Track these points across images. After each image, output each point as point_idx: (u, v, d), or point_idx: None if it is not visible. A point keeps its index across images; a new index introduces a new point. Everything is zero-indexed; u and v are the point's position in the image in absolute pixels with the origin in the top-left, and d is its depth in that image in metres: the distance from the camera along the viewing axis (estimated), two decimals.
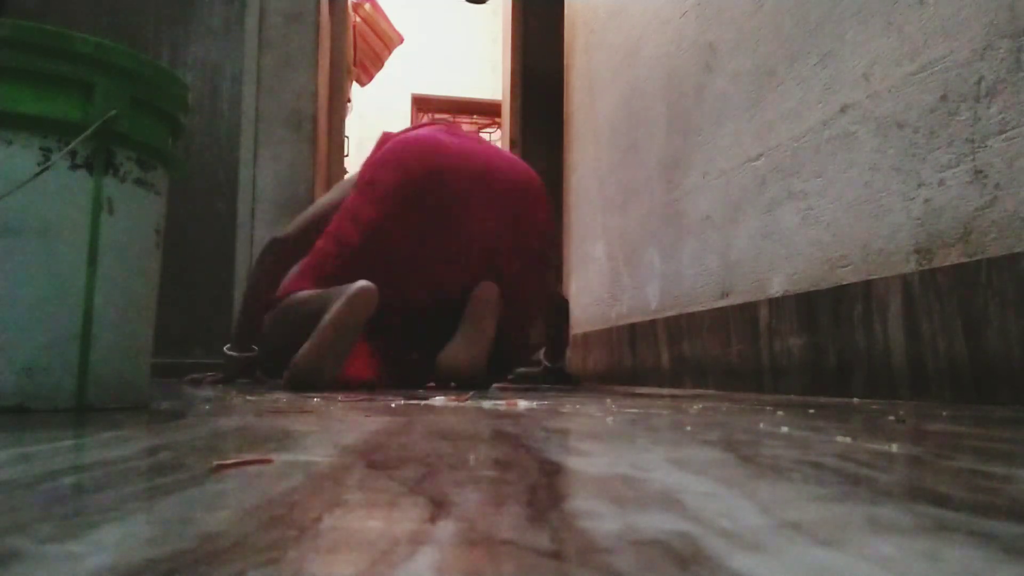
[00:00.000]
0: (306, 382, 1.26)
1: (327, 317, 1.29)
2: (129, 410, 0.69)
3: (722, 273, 1.60)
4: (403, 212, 1.48)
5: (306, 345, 1.27)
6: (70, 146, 0.65)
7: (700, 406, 0.86)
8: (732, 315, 1.51)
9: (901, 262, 1.06)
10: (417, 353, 1.55)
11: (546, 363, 1.95)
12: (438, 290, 1.51)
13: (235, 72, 2.54)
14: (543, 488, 0.28)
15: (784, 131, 1.37)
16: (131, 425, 0.53)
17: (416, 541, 0.19)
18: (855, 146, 1.17)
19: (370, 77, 3.90)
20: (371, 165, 1.57)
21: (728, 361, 1.52)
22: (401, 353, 1.54)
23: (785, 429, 0.53)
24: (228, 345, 1.69)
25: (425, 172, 1.50)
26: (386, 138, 1.68)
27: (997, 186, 0.91)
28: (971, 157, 0.95)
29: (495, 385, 1.60)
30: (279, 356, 1.39)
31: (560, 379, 1.95)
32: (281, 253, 1.65)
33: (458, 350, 1.44)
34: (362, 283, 1.32)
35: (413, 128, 1.67)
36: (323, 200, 1.70)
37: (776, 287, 1.38)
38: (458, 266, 1.51)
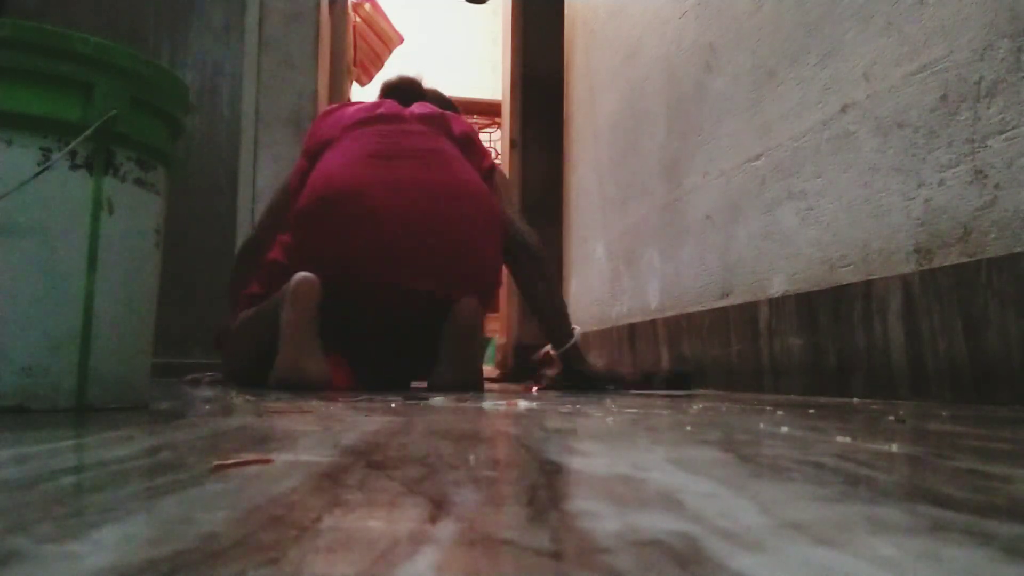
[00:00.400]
0: (291, 381, 1.26)
1: (283, 322, 1.30)
2: (129, 410, 0.69)
3: (722, 273, 1.60)
4: (321, 225, 1.42)
5: (280, 356, 1.28)
6: (70, 146, 0.65)
7: (700, 406, 0.86)
8: (732, 315, 1.51)
9: (901, 262, 1.06)
10: (393, 363, 1.52)
11: (557, 359, 1.60)
12: (386, 291, 1.39)
13: (235, 72, 2.54)
14: (543, 488, 0.28)
15: (784, 131, 1.37)
16: (131, 425, 0.53)
17: (416, 541, 0.19)
18: (855, 146, 1.17)
19: (370, 77, 3.89)
20: (305, 180, 1.49)
21: (728, 361, 1.52)
22: (377, 363, 1.50)
23: (785, 429, 0.53)
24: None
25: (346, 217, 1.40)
26: (312, 128, 1.59)
27: (997, 186, 0.91)
28: (971, 157, 0.95)
29: (535, 389, 1.57)
30: (255, 371, 1.39)
31: (588, 381, 1.51)
32: (250, 256, 1.65)
33: (448, 377, 1.38)
34: (298, 275, 1.31)
35: (350, 130, 1.52)
36: (277, 188, 1.66)
37: (776, 287, 1.38)
38: (398, 266, 1.39)
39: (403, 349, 1.49)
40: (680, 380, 1.54)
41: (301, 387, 1.25)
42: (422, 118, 1.54)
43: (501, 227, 1.51)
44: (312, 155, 1.51)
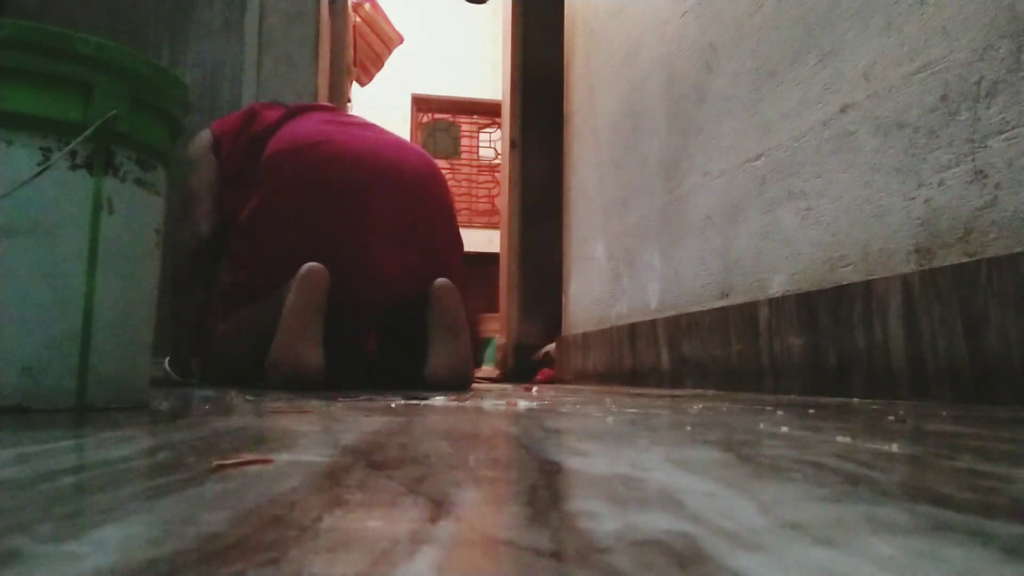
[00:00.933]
0: (288, 375, 1.24)
1: (287, 308, 1.27)
2: (129, 410, 0.69)
3: (722, 273, 1.60)
4: (306, 213, 1.42)
5: (277, 338, 1.26)
6: (70, 146, 0.65)
7: (700, 406, 0.86)
8: (732, 315, 1.51)
9: (901, 262, 1.06)
10: (376, 354, 1.52)
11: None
12: (369, 281, 1.41)
13: (235, 72, 2.54)
14: (543, 488, 0.28)
15: (784, 131, 1.37)
16: (131, 425, 0.53)
17: (416, 541, 0.19)
18: (855, 146, 1.17)
19: (370, 77, 3.89)
20: (255, 161, 1.50)
21: (728, 361, 1.52)
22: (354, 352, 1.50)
23: (785, 429, 0.53)
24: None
25: (325, 185, 1.42)
26: (251, 116, 1.61)
27: (997, 186, 0.91)
28: (971, 157, 0.95)
29: (535, 389, 1.57)
30: (250, 367, 1.37)
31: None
32: (200, 260, 1.62)
33: (442, 363, 1.38)
34: (308, 265, 1.30)
35: (296, 115, 1.58)
36: (198, 185, 1.60)
37: (776, 287, 1.38)
38: (379, 254, 1.42)
39: (384, 341, 1.49)
40: None
41: (295, 377, 1.23)
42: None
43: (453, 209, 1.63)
44: (255, 136, 1.54)
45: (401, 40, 3.90)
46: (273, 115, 1.58)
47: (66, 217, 0.66)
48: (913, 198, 1.05)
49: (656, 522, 0.22)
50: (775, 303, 1.36)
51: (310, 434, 0.47)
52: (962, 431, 0.53)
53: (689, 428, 0.54)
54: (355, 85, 3.72)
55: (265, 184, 1.44)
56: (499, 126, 4.45)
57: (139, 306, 0.73)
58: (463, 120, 5.08)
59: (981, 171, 0.93)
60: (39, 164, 0.64)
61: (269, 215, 1.42)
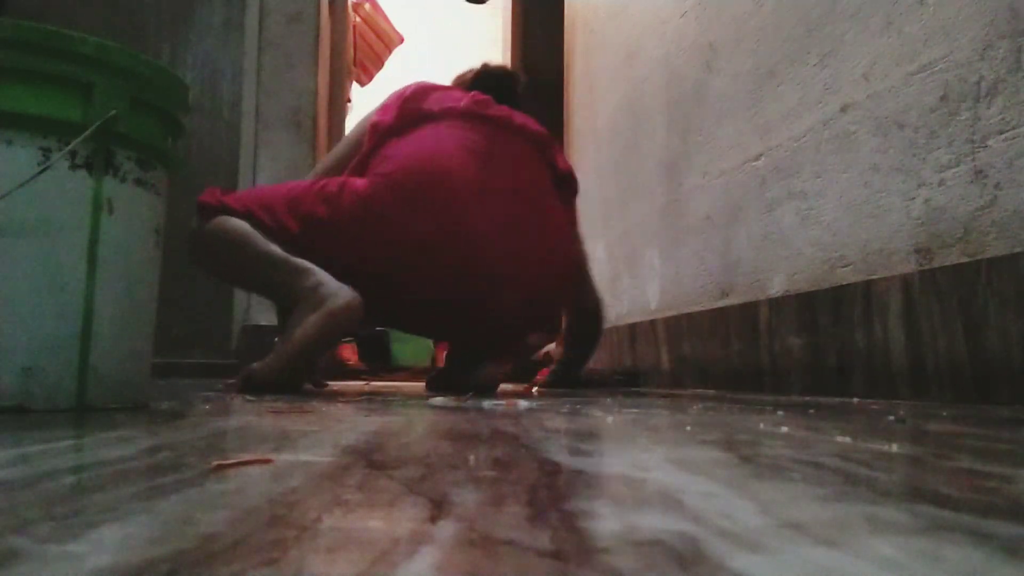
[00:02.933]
0: (265, 390, 1.11)
1: (298, 334, 1.11)
2: (129, 410, 0.69)
3: (722, 273, 1.60)
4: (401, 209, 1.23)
5: (269, 360, 1.13)
6: (70, 146, 0.65)
7: (700, 406, 0.86)
8: (732, 315, 1.51)
9: (901, 262, 1.06)
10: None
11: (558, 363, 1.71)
12: (428, 287, 1.25)
13: (235, 72, 2.54)
14: (543, 488, 0.28)
15: (784, 131, 1.37)
16: (131, 425, 0.53)
17: (416, 541, 0.19)
18: (855, 146, 1.17)
19: (370, 77, 3.89)
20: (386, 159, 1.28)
21: (728, 361, 1.52)
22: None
23: (785, 429, 0.53)
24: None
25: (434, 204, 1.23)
26: (413, 98, 1.35)
27: (997, 186, 0.91)
28: (971, 157, 0.95)
29: (535, 389, 1.57)
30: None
31: (578, 382, 1.67)
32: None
33: (494, 369, 1.34)
34: (347, 295, 1.13)
35: (454, 111, 1.34)
36: (350, 141, 1.41)
37: (776, 287, 1.38)
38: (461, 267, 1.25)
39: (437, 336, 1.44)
40: (632, 379, 1.93)
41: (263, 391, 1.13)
42: (531, 136, 1.41)
43: (572, 286, 1.48)
44: (405, 118, 1.32)
45: (401, 40, 3.90)
46: (430, 104, 1.36)
47: (66, 217, 0.66)
48: (913, 198, 1.05)
49: (656, 522, 0.22)
50: (775, 303, 1.36)
51: (310, 434, 0.47)
52: (962, 431, 0.53)
53: (689, 428, 0.54)
54: (355, 85, 3.72)
55: (370, 200, 1.23)
56: None
57: (139, 306, 0.73)
58: None
59: (981, 171, 0.93)
60: (39, 164, 0.64)
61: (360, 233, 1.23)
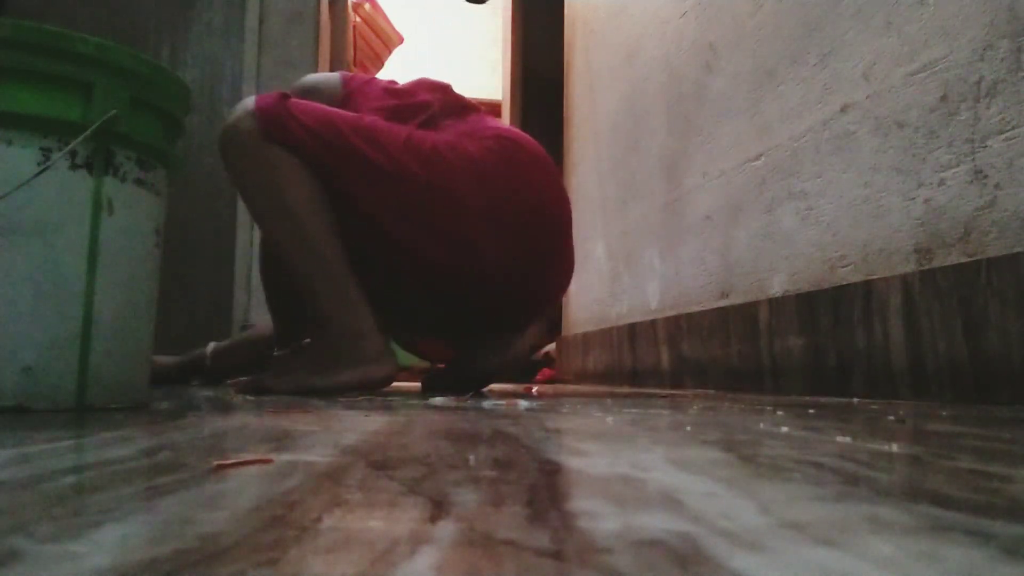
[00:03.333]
0: (252, 394, 1.08)
1: (326, 380, 1.07)
2: (129, 410, 0.69)
3: (722, 273, 1.60)
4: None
5: (284, 383, 1.09)
6: (70, 146, 0.65)
7: (700, 406, 0.86)
8: (732, 315, 1.51)
9: (901, 262, 1.06)
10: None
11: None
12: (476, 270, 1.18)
13: (235, 72, 2.54)
14: (543, 488, 0.28)
15: (784, 131, 1.37)
16: (131, 425, 0.53)
17: (416, 541, 0.19)
18: (855, 146, 1.17)
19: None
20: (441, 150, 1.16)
21: (728, 361, 1.52)
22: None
23: (785, 429, 0.53)
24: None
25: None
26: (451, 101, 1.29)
27: (997, 186, 0.91)
28: (971, 157, 0.95)
29: (534, 389, 1.56)
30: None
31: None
32: None
33: (491, 357, 1.31)
34: (389, 368, 1.09)
35: (455, 107, 1.30)
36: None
37: (776, 287, 1.38)
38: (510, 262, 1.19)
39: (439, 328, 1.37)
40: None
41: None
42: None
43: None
44: (408, 111, 1.23)
45: (401, 40, 3.90)
46: (423, 95, 1.30)
47: (66, 217, 0.66)
48: (913, 198, 1.05)
49: (656, 522, 0.22)
50: (775, 303, 1.36)
51: (310, 434, 0.47)
52: (962, 431, 0.53)
53: (689, 428, 0.54)
54: None
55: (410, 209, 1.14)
56: None
57: (139, 306, 0.73)
58: None
59: (981, 171, 0.93)
60: (39, 164, 0.64)
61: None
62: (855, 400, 1.04)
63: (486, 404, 0.87)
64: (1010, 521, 0.22)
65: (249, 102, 1.14)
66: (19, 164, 0.64)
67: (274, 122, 1.10)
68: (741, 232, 1.52)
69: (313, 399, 0.94)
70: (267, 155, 1.10)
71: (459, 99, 1.35)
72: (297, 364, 1.13)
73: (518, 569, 0.17)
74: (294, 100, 1.15)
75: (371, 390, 1.11)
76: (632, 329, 2.07)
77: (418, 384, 1.55)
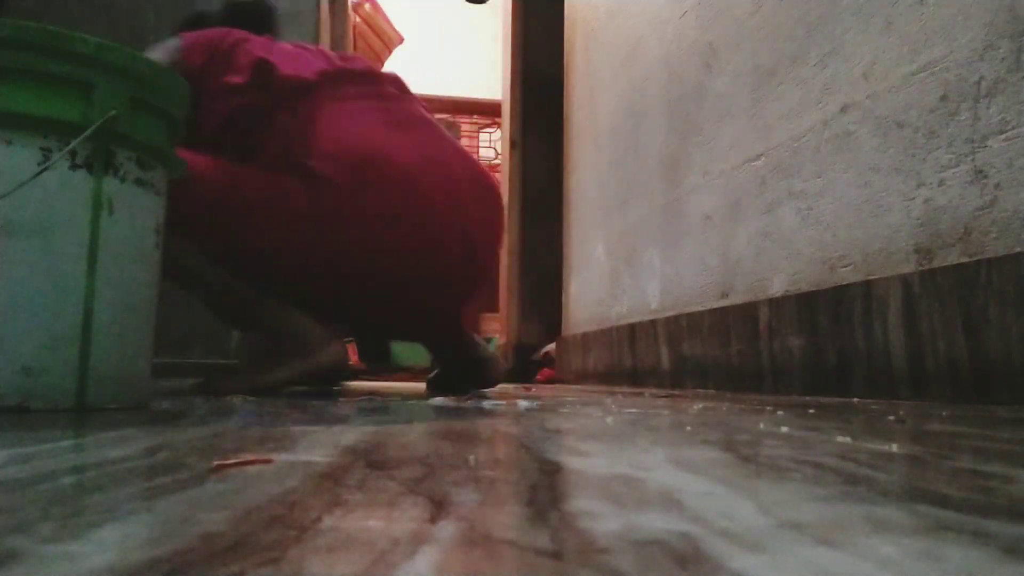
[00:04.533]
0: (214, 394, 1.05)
1: (278, 374, 1.08)
2: (129, 410, 0.69)
3: (722, 273, 1.60)
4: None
5: (238, 382, 1.09)
6: (70, 146, 0.65)
7: (700, 406, 0.86)
8: (732, 315, 1.51)
9: (901, 262, 1.06)
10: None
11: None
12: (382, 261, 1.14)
13: None
14: (543, 488, 0.28)
15: (784, 131, 1.37)
16: (131, 425, 0.53)
17: (416, 541, 0.19)
18: (855, 146, 1.17)
19: None
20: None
21: (728, 361, 1.52)
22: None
23: (785, 429, 0.53)
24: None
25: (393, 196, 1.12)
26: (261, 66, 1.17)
27: (997, 186, 0.91)
28: (971, 157, 0.95)
29: (532, 388, 1.56)
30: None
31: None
32: None
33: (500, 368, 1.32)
34: (336, 353, 1.11)
35: (332, 78, 1.21)
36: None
37: (776, 287, 1.38)
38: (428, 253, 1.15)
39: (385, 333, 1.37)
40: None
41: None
42: (392, 80, 1.29)
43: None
44: (281, 92, 1.17)
45: (401, 40, 3.90)
46: (298, 68, 1.22)
47: (66, 217, 0.66)
48: (913, 198, 1.05)
49: (656, 522, 0.22)
50: (775, 303, 1.36)
51: (310, 434, 0.47)
52: (962, 431, 0.53)
53: (689, 428, 0.54)
54: None
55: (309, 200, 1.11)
56: (499, 126, 4.45)
57: (139, 305, 0.73)
58: (463, 120, 5.08)
59: (981, 171, 0.93)
60: (39, 164, 0.64)
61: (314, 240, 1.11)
62: (855, 400, 1.04)
63: (486, 404, 0.87)
64: (1010, 521, 0.22)
65: None
66: (19, 164, 0.64)
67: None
68: (741, 232, 1.52)
69: (313, 399, 0.94)
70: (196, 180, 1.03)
71: (285, 80, 1.19)
72: (244, 364, 1.14)
73: (518, 569, 0.17)
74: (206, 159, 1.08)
75: (322, 377, 1.11)
76: (632, 329, 2.07)
77: (418, 384, 1.55)
